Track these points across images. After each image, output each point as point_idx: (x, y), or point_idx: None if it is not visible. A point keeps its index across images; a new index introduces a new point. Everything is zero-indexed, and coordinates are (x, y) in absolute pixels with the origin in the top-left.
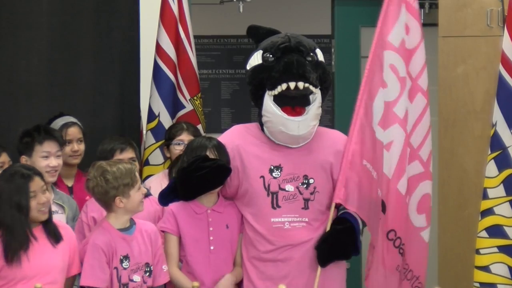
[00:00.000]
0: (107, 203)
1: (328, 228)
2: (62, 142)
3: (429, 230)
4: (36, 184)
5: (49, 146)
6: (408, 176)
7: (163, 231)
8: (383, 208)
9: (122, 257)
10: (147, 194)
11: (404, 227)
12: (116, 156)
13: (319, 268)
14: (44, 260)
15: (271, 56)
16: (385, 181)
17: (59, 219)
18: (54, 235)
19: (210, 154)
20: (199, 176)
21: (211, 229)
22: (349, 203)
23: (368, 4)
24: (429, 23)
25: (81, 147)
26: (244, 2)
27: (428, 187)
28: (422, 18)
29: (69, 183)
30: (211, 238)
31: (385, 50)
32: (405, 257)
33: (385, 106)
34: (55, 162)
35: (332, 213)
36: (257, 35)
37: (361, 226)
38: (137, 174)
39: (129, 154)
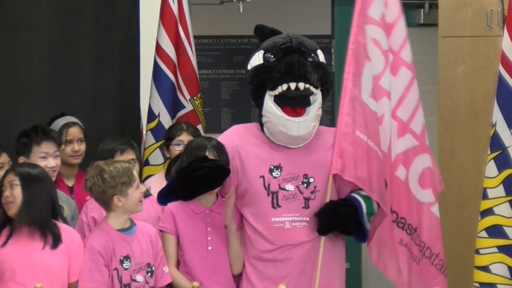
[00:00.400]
0: (106, 202)
1: (327, 200)
2: (59, 142)
3: (438, 206)
4: (6, 179)
5: (47, 147)
6: (403, 150)
7: (161, 231)
8: (386, 184)
9: (122, 258)
10: (147, 195)
11: (402, 201)
12: (116, 157)
13: (319, 268)
14: (32, 260)
15: (272, 56)
16: (384, 157)
17: None
18: (51, 237)
19: (209, 154)
20: (198, 176)
21: (209, 229)
22: (346, 173)
23: None
24: (429, 23)
25: (82, 147)
26: (244, 2)
27: (427, 161)
28: (422, 18)
29: (70, 183)
30: (209, 238)
31: (367, 24)
32: (419, 234)
33: (373, 80)
34: (53, 162)
35: (330, 186)
36: (262, 34)
37: (365, 210)
38: (134, 173)
39: (129, 155)
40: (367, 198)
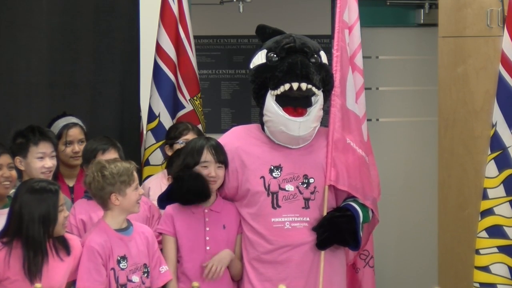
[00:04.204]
0: (103, 199)
1: (324, 213)
2: (56, 143)
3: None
4: (62, 198)
5: (44, 147)
6: None
7: (160, 233)
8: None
9: (119, 258)
10: None
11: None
12: (98, 157)
13: (321, 272)
14: (54, 276)
15: (275, 56)
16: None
17: None
18: (64, 248)
19: (208, 154)
20: (186, 189)
21: (207, 229)
22: (340, 183)
23: (368, 4)
24: (429, 23)
25: (82, 148)
26: (244, 2)
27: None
28: (422, 18)
29: (71, 183)
30: (207, 238)
31: (345, 29)
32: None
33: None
34: (50, 162)
35: (326, 197)
36: (264, 34)
37: (361, 219)
38: (135, 174)
39: (111, 155)
40: (363, 207)
